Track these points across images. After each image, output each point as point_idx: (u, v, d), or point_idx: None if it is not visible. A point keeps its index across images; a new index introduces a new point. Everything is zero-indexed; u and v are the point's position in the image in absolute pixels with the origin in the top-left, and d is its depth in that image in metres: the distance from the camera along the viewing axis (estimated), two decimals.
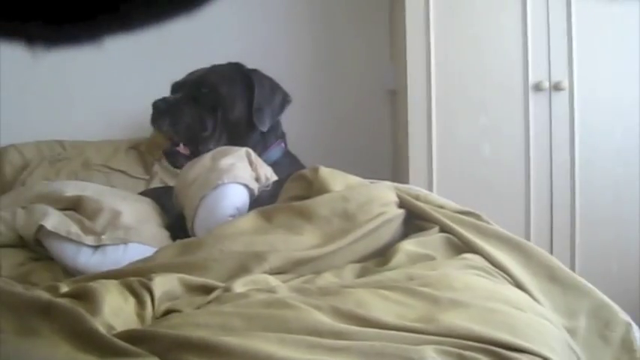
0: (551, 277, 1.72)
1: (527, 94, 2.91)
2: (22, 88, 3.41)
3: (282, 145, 2.70)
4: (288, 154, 2.72)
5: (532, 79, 2.90)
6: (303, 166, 2.56)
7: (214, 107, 2.58)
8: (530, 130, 2.92)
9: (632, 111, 2.91)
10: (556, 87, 2.89)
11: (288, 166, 2.54)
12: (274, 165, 2.36)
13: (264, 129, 2.58)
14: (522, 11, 2.89)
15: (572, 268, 2.86)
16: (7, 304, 1.30)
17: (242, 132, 2.56)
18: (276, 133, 2.69)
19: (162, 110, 2.53)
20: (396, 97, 3.39)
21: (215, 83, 2.61)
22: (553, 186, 2.93)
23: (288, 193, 1.99)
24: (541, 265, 1.74)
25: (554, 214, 2.94)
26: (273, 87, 2.70)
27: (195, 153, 2.42)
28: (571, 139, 2.91)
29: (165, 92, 2.66)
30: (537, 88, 2.90)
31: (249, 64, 2.75)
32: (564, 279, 1.72)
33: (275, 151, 2.64)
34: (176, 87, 2.67)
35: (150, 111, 2.58)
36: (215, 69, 2.71)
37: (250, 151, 2.24)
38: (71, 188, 2.21)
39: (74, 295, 1.39)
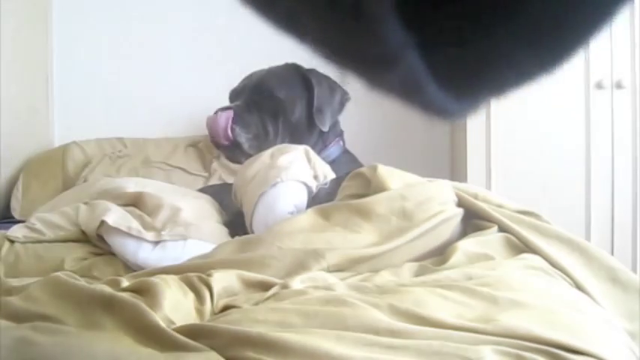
0: (612, 278, 1.69)
1: (589, 92, 2.87)
2: (84, 85, 3.47)
3: (341, 143, 2.70)
4: (346, 153, 2.72)
5: (593, 78, 2.86)
6: (361, 165, 2.55)
7: (275, 112, 2.58)
8: (591, 129, 2.88)
9: None
10: (618, 85, 2.85)
11: (346, 164, 2.53)
12: (333, 163, 2.36)
13: (326, 129, 2.58)
14: None
15: (634, 269, 2.81)
16: (70, 297, 1.32)
17: (303, 133, 2.56)
18: (334, 131, 2.69)
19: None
20: None
21: (273, 87, 2.61)
22: (614, 185, 2.89)
23: (346, 191, 1.99)
24: (602, 266, 1.72)
25: (616, 214, 2.89)
26: (332, 86, 2.69)
27: None
28: (633, 137, 2.86)
29: (224, 89, 2.68)
30: (599, 86, 2.85)
31: (309, 63, 2.75)
32: (626, 281, 1.69)
33: (334, 150, 2.64)
34: (234, 94, 2.67)
35: (209, 108, 2.60)
36: (272, 72, 2.70)
37: (309, 149, 2.25)
38: (132, 185, 2.25)
39: (135, 290, 1.41)
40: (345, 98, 2.69)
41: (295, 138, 2.52)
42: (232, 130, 2.52)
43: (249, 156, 2.36)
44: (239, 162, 2.57)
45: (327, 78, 2.70)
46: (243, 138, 2.54)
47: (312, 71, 2.68)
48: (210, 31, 3.50)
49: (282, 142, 2.49)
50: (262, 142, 2.52)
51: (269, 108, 2.58)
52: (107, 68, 3.51)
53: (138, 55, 3.52)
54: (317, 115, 2.57)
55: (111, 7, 3.52)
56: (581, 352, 1.19)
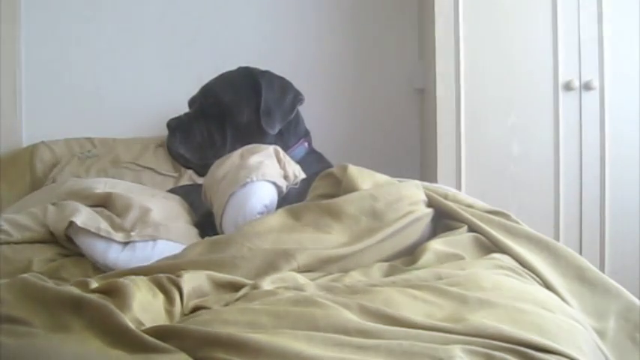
0: (580, 277, 1.71)
1: (557, 93, 2.89)
2: (53, 85, 3.44)
3: (306, 144, 2.66)
4: (312, 153, 2.69)
5: (562, 78, 2.89)
6: (329, 164, 2.54)
7: (221, 117, 2.55)
8: (560, 130, 2.90)
9: None
10: (586, 86, 2.87)
11: (313, 164, 2.51)
12: (299, 164, 2.35)
13: (273, 132, 2.52)
14: (553, 9, 2.88)
15: (602, 268, 2.84)
16: (38, 299, 1.31)
17: (255, 136, 2.47)
18: (296, 132, 2.64)
19: (173, 129, 2.51)
20: (424, 96, 3.39)
21: (219, 92, 2.57)
22: (583, 185, 2.91)
23: (316, 191, 1.99)
24: (570, 265, 1.73)
25: (584, 214, 2.92)
26: (284, 87, 2.65)
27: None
28: (601, 138, 2.89)
29: (194, 90, 2.67)
30: (567, 87, 2.88)
31: (279, 64, 2.74)
32: (594, 280, 1.70)
33: (298, 151, 2.60)
34: (191, 102, 2.66)
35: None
36: (222, 76, 2.67)
37: (279, 148, 2.24)
38: (101, 185, 2.23)
39: (104, 291, 1.40)
40: (297, 99, 2.65)
41: (247, 142, 2.44)
42: (173, 142, 2.52)
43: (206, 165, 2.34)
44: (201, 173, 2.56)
45: (279, 79, 2.67)
46: (183, 149, 2.52)
47: (265, 73, 2.64)
48: (181, 31, 3.49)
49: (232, 147, 2.42)
50: (207, 151, 2.49)
51: (215, 114, 2.54)
52: (76, 68, 3.48)
53: (107, 54, 3.50)
54: (264, 118, 2.52)
55: (80, 7, 3.50)
56: (550, 350, 1.20)
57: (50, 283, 1.41)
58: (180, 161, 2.62)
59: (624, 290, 1.69)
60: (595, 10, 2.85)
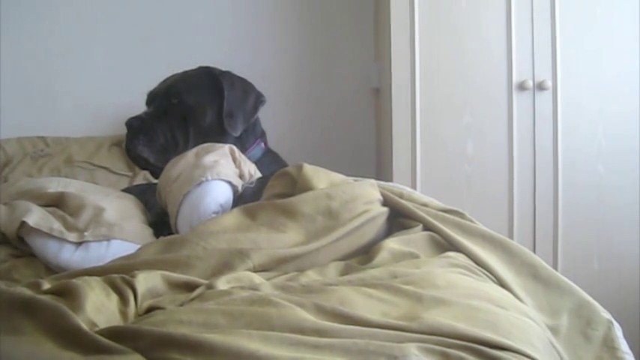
0: (534, 275, 1.72)
1: (511, 93, 2.92)
2: (5, 83, 3.39)
3: (262, 144, 2.66)
4: (269, 153, 2.69)
5: (516, 79, 2.91)
6: (285, 164, 2.54)
7: (184, 118, 2.53)
8: (514, 130, 2.93)
9: (615, 111, 2.93)
10: (540, 86, 2.90)
11: (269, 164, 2.51)
12: (256, 165, 2.34)
13: (236, 134, 2.52)
14: (507, 10, 2.90)
15: (555, 266, 2.88)
16: None
17: (216, 138, 2.45)
18: (254, 133, 2.64)
19: (135, 129, 2.49)
20: (380, 96, 3.40)
21: (183, 92, 2.56)
22: (536, 185, 2.94)
23: (271, 190, 1.98)
24: (524, 263, 1.75)
25: (537, 213, 2.95)
26: (246, 88, 2.65)
27: None
28: (554, 138, 2.92)
29: (148, 88, 2.64)
30: (521, 87, 2.90)
31: (236, 64, 2.72)
32: (547, 277, 1.72)
33: (255, 152, 2.60)
34: (150, 98, 2.63)
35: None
36: (184, 76, 2.65)
37: (234, 147, 2.23)
38: (54, 185, 2.20)
39: (56, 292, 1.38)
40: (259, 101, 2.64)
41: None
42: (136, 144, 2.49)
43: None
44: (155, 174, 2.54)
45: (241, 80, 2.66)
46: (147, 152, 2.50)
47: (226, 74, 2.63)
48: (135, 29, 3.46)
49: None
50: (171, 153, 2.46)
51: (178, 115, 2.53)
52: (28, 65, 3.43)
53: (60, 52, 3.45)
54: (227, 120, 2.52)
55: (32, 4, 3.45)
56: (504, 347, 1.21)
57: (1, 285, 1.39)
58: (139, 163, 2.59)
59: (577, 287, 1.71)
60: (548, 11, 2.88)
